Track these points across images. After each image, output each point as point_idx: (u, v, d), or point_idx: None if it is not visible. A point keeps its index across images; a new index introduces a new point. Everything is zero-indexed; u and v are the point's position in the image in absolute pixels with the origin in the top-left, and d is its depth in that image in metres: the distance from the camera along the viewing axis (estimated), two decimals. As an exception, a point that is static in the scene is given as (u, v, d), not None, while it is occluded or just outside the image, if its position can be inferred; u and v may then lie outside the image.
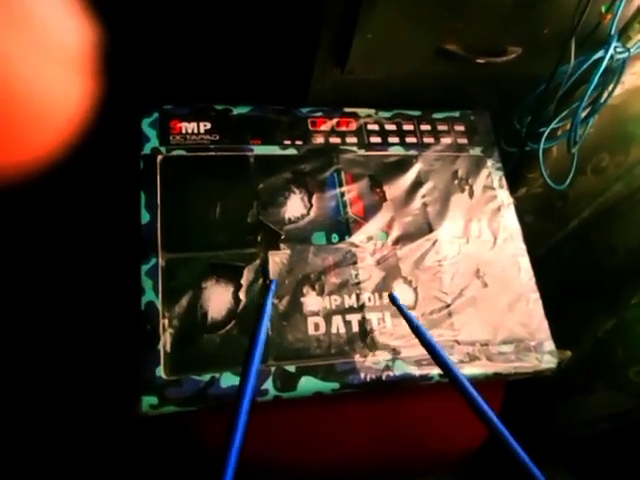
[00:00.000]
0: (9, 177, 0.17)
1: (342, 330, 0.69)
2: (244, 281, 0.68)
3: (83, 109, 0.18)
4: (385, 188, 0.78)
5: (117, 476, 1.01)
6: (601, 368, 0.92)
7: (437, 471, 0.91)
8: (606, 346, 0.89)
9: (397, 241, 0.75)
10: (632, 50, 0.76)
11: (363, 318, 0.70)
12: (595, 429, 0.97)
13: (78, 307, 1.05)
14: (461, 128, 0.86)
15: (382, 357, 0.68)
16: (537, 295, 0.77)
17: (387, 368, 0.68)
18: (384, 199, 0.78)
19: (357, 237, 0.74)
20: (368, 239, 0.74)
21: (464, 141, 0.85)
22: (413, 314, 0.66)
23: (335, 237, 0.74)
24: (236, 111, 0.79)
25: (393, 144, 0.82)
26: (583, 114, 0.81)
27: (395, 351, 0.69)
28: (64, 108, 0.18)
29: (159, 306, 0.65)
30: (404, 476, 0.85)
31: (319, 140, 0.80)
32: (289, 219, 0.73)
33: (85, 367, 1.02)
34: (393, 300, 0.67)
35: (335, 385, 0.66)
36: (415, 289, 0.73)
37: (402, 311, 0.64)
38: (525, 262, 0.79)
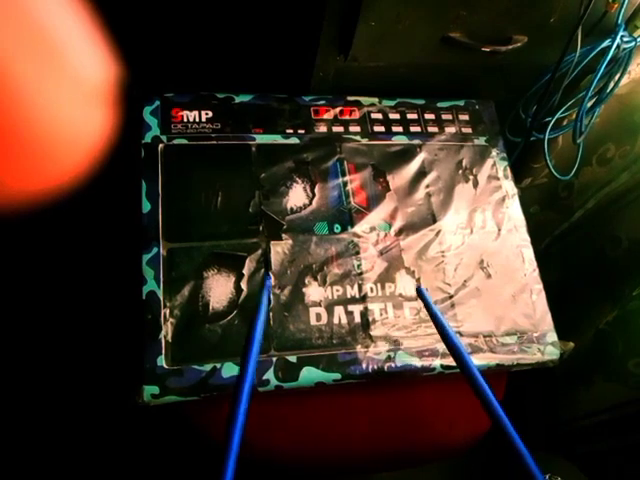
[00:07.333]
0: (27, 202, 0.17)
1: (344, 321, 0.68)
2: (246, 271, 0.68)
3: (102, 140, 0.19)
4: (388, 178, 0.78)
5: (119, 465, 1.01)
6: (601, 359, 0.91)
7: (440, 461, 0.91)
8: (607, 337, 0.89)
9: (400, 231, 0.75)
10: (639, 40, 0.75)
11: (365, 309, 0.69)
12: (595, 420, 0.97)
13: (79, 297, 1.05)
14: (466, 117, 0.85)
15: (384, 348, 0.68)
16: (541, 286, 0.76)
17: (389, 359, 0.67)
18: (387, 189, 0.77)
19: (360, 227, 0.73)
20: (371, 229, 0.74)
21: (469, 130, 0.84)
22: (438, 309, 0.64)
23: (337, 227, 0.73)
24: (238, 99, 0.78)
25: (397, 133, 0.81)
26: (589, 104, 0.80)
27: (397, 342, 0.68)
28: (84, 139, 0.18)
29: (160, 296, 0.64)
30: (407, 466, 0.86)
31: (322, 129, 0.79)
32: (291, 209, 0.73)
33: (87, 357, 1.02)
34: (420, 294, 0.66)
35: (337, 375, 0.65)
36: (418, 280, 0.72)
37: (429, 306, 0.63)
38: (529, 253, 0.78)
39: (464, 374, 0.52)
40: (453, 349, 0.55)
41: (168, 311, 0.64)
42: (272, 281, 0.68)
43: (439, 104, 0.85)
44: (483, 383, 0.48)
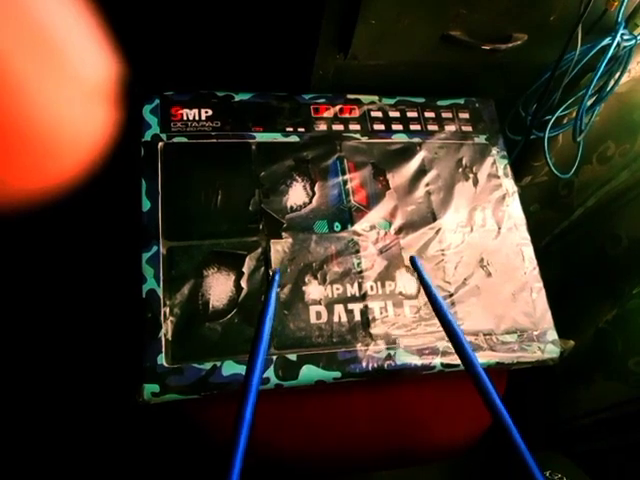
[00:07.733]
0: (28, 201, 0.17)
1: (344, 319, 0.68)
2: (246, 269, 0.68)
3: (103, 138, 0.19)
4: (388, 176, 0.78)
5: (119, 465, 1.01)
6: (602, 358, 0.91)
7: (440, 459, 0.91)
8: (607, 336, 0.89)
9: (400, 230, 0.75)
10: (639, 38, 0.75)
11: (365, 307, 0.69)
12: (595, 418, 0.97)
13: (79, 296, 1.05)
14: (466, 115, 0.85)
15: (384, 346, 0.68)
16: (541, 285, 0.76)
17: (389, 357, 0.67)
18: (387, 187, 0.77)
19: (360, 226, 0.73)
20: (371, 228, 0.74)
21: (469, 129, 0.84)
22: (432, 282, 0.59)
23: (337, 226, 0.73)
24: (238, 97, 0.78)
25: (397, 131, 0.81)
26: (589, 102, 0.80)
27: (397, 340, 0.68)
28: (85, 137, 0.19)
29: (160, 294, 0.64)
30: (407, 464, 0.86)
31: (322, 127, 0.79)
32: (291, 207, 0.73)
33: (87, 355, 1.02)
34: (414, 263, 0.64)
35: (337, 374, 0.65)
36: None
37: (421, 276, 0.61)
38: (529, 251, 0.78)
39: (452, 343, 0.51)
40: (444, 320, 0.52)
41: (168, 309, 0.64)
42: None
43: (439, 102, 0.85)
44: (474, 358, 0.48)
